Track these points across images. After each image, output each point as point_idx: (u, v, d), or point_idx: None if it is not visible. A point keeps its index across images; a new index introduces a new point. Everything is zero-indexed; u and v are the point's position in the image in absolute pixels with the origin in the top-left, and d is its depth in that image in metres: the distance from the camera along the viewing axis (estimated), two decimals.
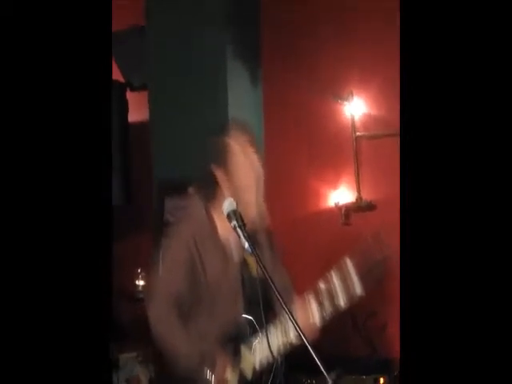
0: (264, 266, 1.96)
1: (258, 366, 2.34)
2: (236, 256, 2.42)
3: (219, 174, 2.41)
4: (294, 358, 2.45)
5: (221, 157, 2.41)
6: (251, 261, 2.33)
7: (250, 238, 2.07)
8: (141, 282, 4.44)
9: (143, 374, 3.97)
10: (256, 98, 4.44)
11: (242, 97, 4.37)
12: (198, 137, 4.21)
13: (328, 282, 2.32)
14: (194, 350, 2.38)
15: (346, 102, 4.04)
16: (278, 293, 1.89)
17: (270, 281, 1.91)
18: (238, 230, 2.05)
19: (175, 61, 4.47)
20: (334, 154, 4.15)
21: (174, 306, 2.40)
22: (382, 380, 3.57)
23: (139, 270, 4.43)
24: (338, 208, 4.00)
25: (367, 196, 3.99)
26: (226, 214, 2.12)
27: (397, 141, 3.30)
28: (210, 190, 2.43)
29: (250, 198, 2.37)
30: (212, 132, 3.84)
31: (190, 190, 4.20)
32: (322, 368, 1.71)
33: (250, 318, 2.38)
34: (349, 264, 2.27)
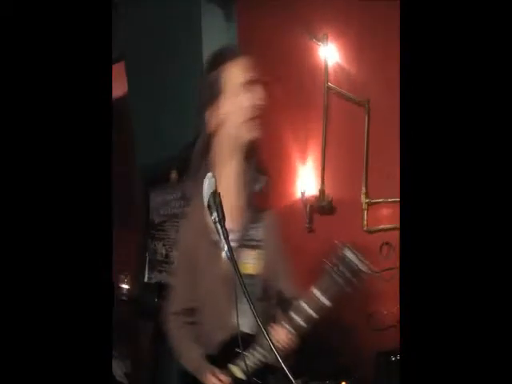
0: (240, 274, 1.84)
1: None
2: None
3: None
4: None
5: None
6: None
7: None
8: (125, 286, 4.47)
9: (119, 370, 4.08)
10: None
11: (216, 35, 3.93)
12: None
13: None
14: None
15: (320, 43, 3.51)
16: (250, 298, 1.76)
17: (246, 296, 1.76)
18: (218, 226, 1.91)
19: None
20: (304, 104, 3.63)
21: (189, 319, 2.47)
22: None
23: (123, 277, 4.46)
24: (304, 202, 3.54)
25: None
26: (206, 201, 1.94)
27: (362, 110, 3.32)
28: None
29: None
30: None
31: (173, 175, 3.91)
32: (289, 375, 1.65)
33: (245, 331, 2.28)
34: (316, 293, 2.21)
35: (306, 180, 3.53)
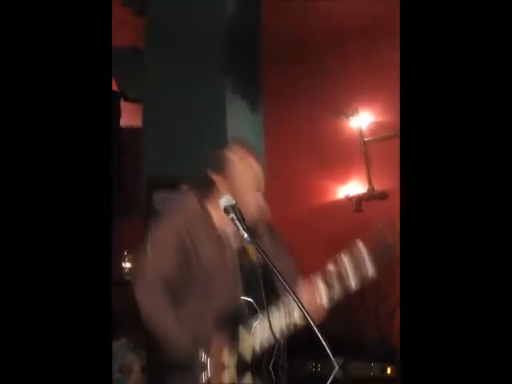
0: (264, 251, 2.01)
1: (258, 348, 2.25)
2: (234, 245, 2.41)
3: (217, 179, 2.41)
4: (298, 341, 2.33)
5: (219, 165, 2.41)
6: (251, 248, 2.34)
7: (250, 229, 2.10)
8: (127, 265, 4.40)
9: (135, 362, 3.52)
10: (256, 117, 4.27)
11: (241, 117, 4.18)
12: (193, 146, 4.12)
13: (337, 263, 2.27)
14: (186, 332, 2.32)
15: (351, 118, 4.12)
16: (279, 273, 1.93)
17: (269, 263, 1.95)
18: (237, 222, 2.09)
19: (174, 81, 4.39)
20: (343, 158, 4.16)
21: (162, 288, 2.38)
22: (389, 369, 3.14)
23: (126, 253, 4.33)
24: (349, 198, 3.98)
25: (379, 187, 3.97)
26: (222, 208, 2.12)
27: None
28: (206, 188, 2.44)
29: (249, 197, 2.36)
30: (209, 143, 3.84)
31: (184, 186, 4.03)
32: (328, 352, 1.71)
33: (249, 299, 2.32)
34: (360, 246, 2.24)
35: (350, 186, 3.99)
